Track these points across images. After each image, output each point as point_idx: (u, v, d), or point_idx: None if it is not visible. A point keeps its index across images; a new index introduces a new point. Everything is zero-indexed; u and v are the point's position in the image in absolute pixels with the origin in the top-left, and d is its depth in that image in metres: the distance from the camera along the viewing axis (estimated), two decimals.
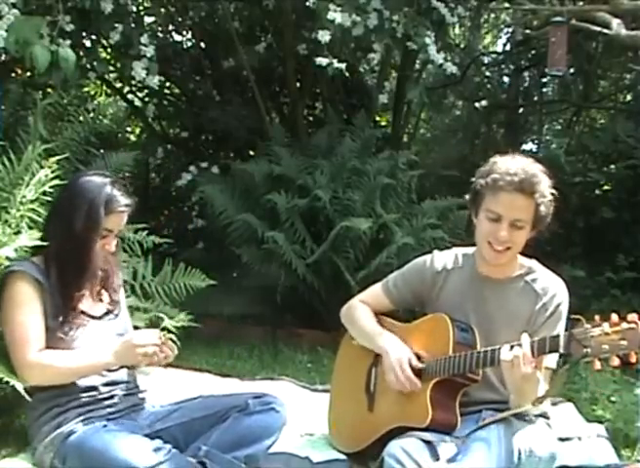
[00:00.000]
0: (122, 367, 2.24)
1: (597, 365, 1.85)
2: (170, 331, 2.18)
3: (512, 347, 2.01)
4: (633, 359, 1.82)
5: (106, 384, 2.19)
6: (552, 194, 2.17)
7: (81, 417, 2.11)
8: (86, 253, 2.16)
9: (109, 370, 2.20)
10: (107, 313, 2.28)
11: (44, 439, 2.12)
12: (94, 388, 2.16)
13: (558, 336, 1.95)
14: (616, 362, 1.83)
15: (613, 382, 3.46)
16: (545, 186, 2.16)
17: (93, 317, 2.23)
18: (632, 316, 1.84)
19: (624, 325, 1.83)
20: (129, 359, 2.12)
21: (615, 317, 1.86)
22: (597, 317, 1.88)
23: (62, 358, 2.11)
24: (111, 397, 2.18)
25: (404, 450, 2.02)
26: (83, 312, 2.20)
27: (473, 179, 2.24)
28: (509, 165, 2.15)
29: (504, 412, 2.09)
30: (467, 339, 2.21)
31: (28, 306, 2.11)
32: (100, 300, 2.28)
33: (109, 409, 2.16)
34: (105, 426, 2.10)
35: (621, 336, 1.82)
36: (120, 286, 2.37)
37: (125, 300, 2.46)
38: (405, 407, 2.26)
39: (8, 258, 2.38)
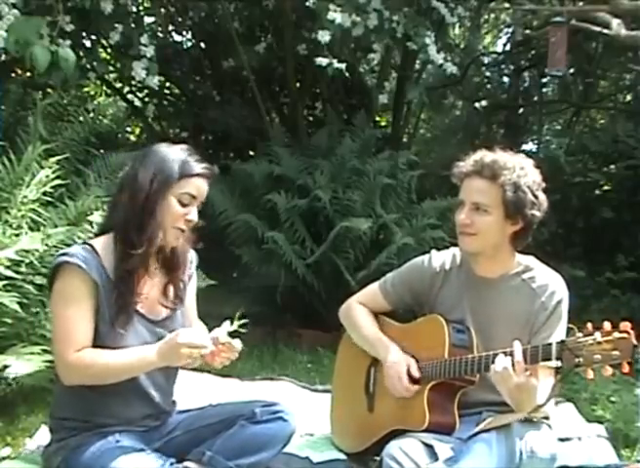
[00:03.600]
0: (163, 385, 2.15)
1: (590, 374, 1.83)
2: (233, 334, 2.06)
3: (506, 355, 1.99)
4: (626, 369, 1.80)
5: (142, 417, 2.12)
6: (526, 186, 2.13)
7: (99, 432, 2.05)
8: (150, 213, 2.01)
9: (151, 404, 2.12)
10: (168, 318, 2.15)
11: (57, 441, 2.08)
12: (127, 419, 2.08)
13: (550, 345, 1.94)
14: (609, 372, 1.81)
15: (613, 382, 3.46)
16: (518, 175, 2.13)
17: (150, 321, 2.10)
18: (624, 325, 1.82)
19: (616, 334, 1.81)
20: (173, 359, 1.96)
21: (607, 325, 1.83)
22: (589, 325, 1.86)
23: (103, 357, 1.98)
24: (140, 425, 2.12)
25: (402, 451, 2.02)
26: (140, 314, 2.08)
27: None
28: (478, 155, 2.21)
29: (505, 418, 2.07)
30: (463, 341, 2.21)
31: (78, 304, 1.99)
32: (165, 297, 2.15)
33: (130, 428, 2.10)
34: (118, 442, 2.03)
35: (613, 346, 1.80)
36: (186, 282, 2.21)
37: (194, 294, 2.32)
38: (403, 409, 2.26)
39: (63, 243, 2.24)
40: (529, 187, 2.14)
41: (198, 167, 2.10)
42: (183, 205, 2.09)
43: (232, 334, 2.04)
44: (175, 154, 2.09)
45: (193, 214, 2.12)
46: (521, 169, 2.15)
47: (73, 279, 2.00)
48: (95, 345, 2.01)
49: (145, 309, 2.10)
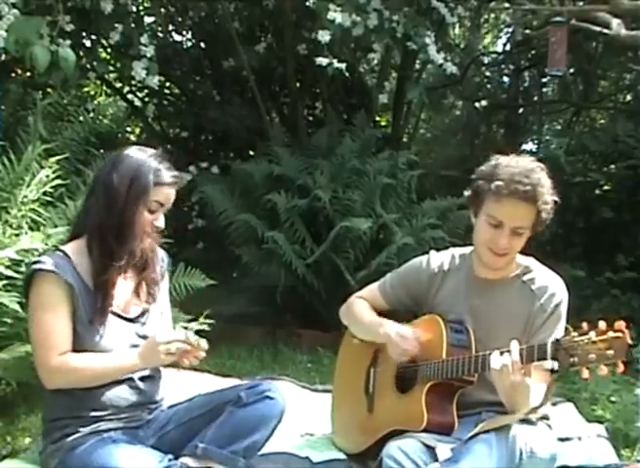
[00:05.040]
0: (149, 377, 2.17)
1: (585, 373, 1.83)
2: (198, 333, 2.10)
3: (502, 353, 1.99)
4: (620, 369, 1.79)
5: (131, 406, 2.13)
6: (554, 200, 2.15)
7: (92, 430, 2.06)
8: (128, 223, 2.05)
9: (138, 391, 2.14)
10: (142, 314, 2.18)
11: (52, 443, 2.09)
12: (117, 407, 2.10)
13: (545, 345, 1.93)
14: (604, 371, 1.81)
15: (613, 382, 3.46)
16: (548, 192, 2.13)
17: (125, 319, 2.14)
18: (619, 324, 1.81)
19: (611, 333, 1.80)
20: (153, 358, 2.03)
21: (602, 325, 1.82)
22: (584, 324, 1.85)
23: (86, 362, 2.03)
24: (132, 418, 2.13)
25: (402, 451, 2.02)
26: (115, 313, 2.11)
27: (473, 177, 2.22)
28: (513, 170, 2.11)
29: (503, 419, 2.06)
30: (461, 341, 2.20)
31: (55, 309, 2.02)
32: (138, 296, 2.19)
33: (125, 425, 2.11)
34: (114, 441, 2.05)
35: (608, 346, 1.79)
36: (157, 280, 2.24)
37: (167, 293, 2.34)
38: (402, 410, 2.26)
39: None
40: (552, 200, 2.14)
41: (170, 176, 2.13)
42: (151, 211, 2.11)
43: (199, 334, 2.08)
44: (149, 161, 2.11)
45: (161, 220, 2.15)
46: (546, 182, 2.13)
47: (49, 285, 2.03)
48: (73, 346, 2.04)
49: (120, 308, 2.13)
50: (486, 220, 2.16)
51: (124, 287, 2.16)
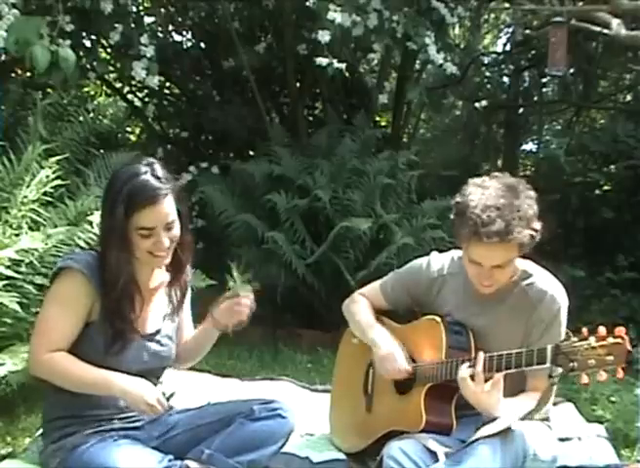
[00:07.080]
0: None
1: (584, 379, 1.82)
2: None
3: (470, 366, 2.01)
4: (620, 375, 1.80)
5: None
6: (534, 222, 2.07)
7: (94, 430, 2.05)
8: (109, 260, 1.99)
9: None
10: (158, 332, 2.15)
11: (53, 443, 2.09)
12: (117, 407, 2.09)
13: (545, 349, 1.92)
14: (603, 377, 1.80)
15: (613, 382, 3.46)
16: (528, 219, 2.05)
17: (141, 335, 2.11)
18: (619, 330, 1.81)
19: (611, 339, 1.80)
20: (132, 404, 2.00)
21: (602, 330, 1.82)
22: (584, 330, 1.84)
23: (74, 368, 2.00)
24: (133, 417, 2.12)
25: (403, 452, 2.02)
26: (133, 328, 2.08)
27: (452, 204, 2.14)
28: (481, 212, 2.01)
29: (504, 423, 2.05)
30: (461, 342, 2.20)
31: (67, 306, 2.01)
32: (158, 312, 2.16)
33: (126, 425, 2.11)
34: (116, 440, 2.05)
35: (608, 351, 1.79)
36: (180, 296, 2.23)
37: (189, 308, 2.32)
38: (400, 410, 2.26)
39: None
40: (535, 221, 2.09)
41: (145, 197, 1.95)
42: (145, 237, 2.00)
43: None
44: (124, 189, 1.96)
45: (162, 239, 2.01)
46: (527, 206, 2.06)
47: (72, 284, 2.02)
48: (83, 348, 2.02)
49: (136, 323, 2.10)
50: (467, 257, 2.13)
51: (147, 300, 2.14)
